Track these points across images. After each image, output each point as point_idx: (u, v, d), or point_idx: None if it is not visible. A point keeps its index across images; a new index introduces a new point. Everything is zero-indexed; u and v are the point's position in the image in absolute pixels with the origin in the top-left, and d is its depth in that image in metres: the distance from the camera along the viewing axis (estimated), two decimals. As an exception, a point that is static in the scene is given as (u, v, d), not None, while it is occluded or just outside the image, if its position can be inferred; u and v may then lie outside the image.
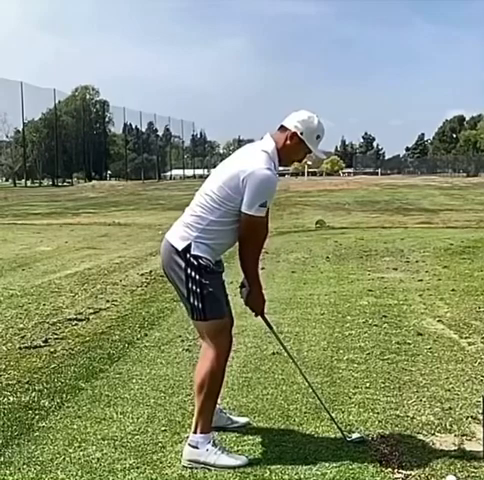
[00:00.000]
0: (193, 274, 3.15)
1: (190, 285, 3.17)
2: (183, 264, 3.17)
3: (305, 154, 3.33)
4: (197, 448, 3.15)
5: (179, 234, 3.24)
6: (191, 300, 3.19)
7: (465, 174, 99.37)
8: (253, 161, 3.14)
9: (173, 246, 3.21)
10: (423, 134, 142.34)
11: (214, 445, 3.18)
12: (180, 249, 3.18)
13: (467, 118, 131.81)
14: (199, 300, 3.17)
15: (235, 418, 3.64)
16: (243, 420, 3.65)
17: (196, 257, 3.16)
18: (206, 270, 3.16)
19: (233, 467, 3.09)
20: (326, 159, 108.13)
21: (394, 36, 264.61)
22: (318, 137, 3.27)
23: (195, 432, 3.21)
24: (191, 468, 3.10)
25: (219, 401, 3.64)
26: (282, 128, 3.28)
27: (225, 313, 3.28)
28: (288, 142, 3.24)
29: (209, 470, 3.08)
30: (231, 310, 3.45)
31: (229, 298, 3.44)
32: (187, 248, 3.16)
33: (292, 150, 3.27)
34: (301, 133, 3.22)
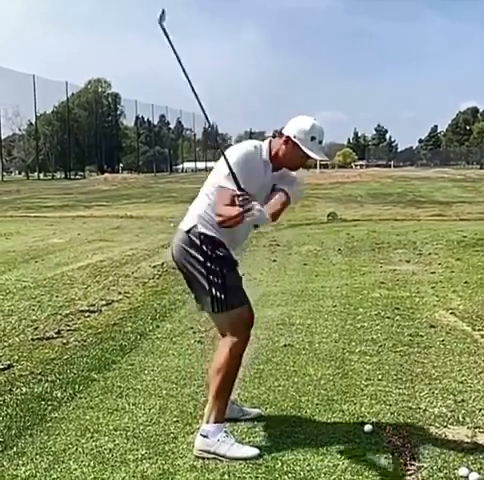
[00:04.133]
0: (208, 264, 3.19)
1: (210, 276, 3.19)
2: (201, 258, 3.19)
3: (305, 159, 3.29)
4: (208, 438, 3.15)
5: (186, 219, 3.32)
6: (213, 291, 3.20)
7: (479, 166, 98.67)
8: (236, 145, 3.31)
9: (182, 230, 3.27)
10: (436, 126, 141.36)
11: (226, 436, 3.18)
12: (185, 229, 3.25)
13: (481, 110, 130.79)
14: (219, 290, 3.18)
15: (247, 410, 3.64)
16: (255, 411, 3.65)
17: (203, 235, 3.19)
18: (217, 248, 3.18)
19: (244, 458, 3.09)
20: (339, 151, 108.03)
21: (405, 29, 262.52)
22: (313, 138, 3.23)
23: (207, 422, 3.21)
24: (203, 459, 3.11)
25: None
26: (280, 134, 3.30)
27: (246, 302, 3.29)
28: (283, 147, 3.27)
29: (220, 461, 3.09)
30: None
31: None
32: (193, 227, 3.22)
33: (289, 155, 3.28)
34: (294, 136, 3.22)
